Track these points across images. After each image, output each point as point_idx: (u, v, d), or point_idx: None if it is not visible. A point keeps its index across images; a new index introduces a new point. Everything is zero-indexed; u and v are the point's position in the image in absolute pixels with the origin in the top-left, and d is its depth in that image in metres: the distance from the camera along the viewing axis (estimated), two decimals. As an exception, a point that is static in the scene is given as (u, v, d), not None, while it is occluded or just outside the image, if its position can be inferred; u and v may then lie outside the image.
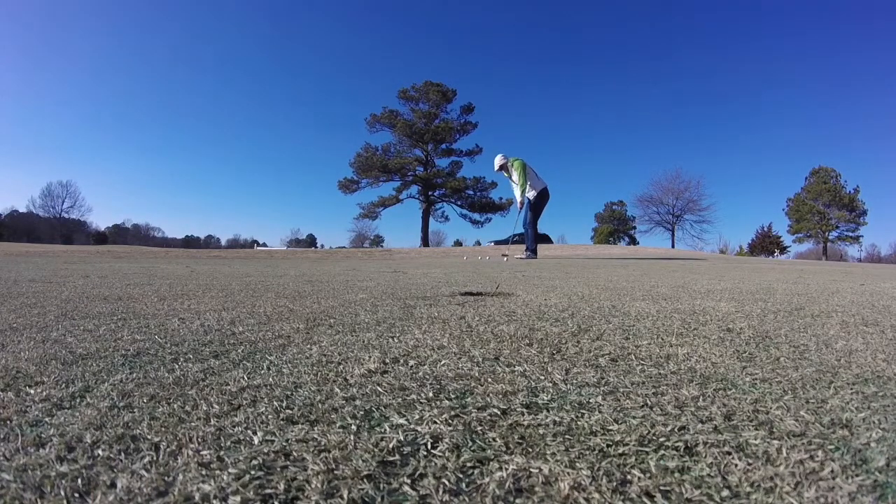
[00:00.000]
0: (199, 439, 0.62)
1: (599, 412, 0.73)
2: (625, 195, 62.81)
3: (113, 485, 0.51)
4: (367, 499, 0.49)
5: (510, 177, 8.43)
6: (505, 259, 8.16)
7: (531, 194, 8.22)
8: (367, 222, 47.80)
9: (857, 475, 0.55)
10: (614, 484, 0.52)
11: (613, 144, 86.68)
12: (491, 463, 0.57)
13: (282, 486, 0.51)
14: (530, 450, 0.60)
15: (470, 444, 0.62)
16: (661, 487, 0.51)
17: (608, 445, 0.61)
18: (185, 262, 7.47)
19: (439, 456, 0.59)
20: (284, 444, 0.61)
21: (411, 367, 0.98)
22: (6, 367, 0.96)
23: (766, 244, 44.83)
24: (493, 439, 0.63)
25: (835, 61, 69.71)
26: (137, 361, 1.02)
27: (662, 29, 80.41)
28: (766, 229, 47.36)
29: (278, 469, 0.55)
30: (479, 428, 0.67)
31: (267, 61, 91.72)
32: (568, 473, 0.54)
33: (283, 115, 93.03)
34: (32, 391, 0.82)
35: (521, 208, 8.36)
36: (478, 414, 0.72)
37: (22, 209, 59.20)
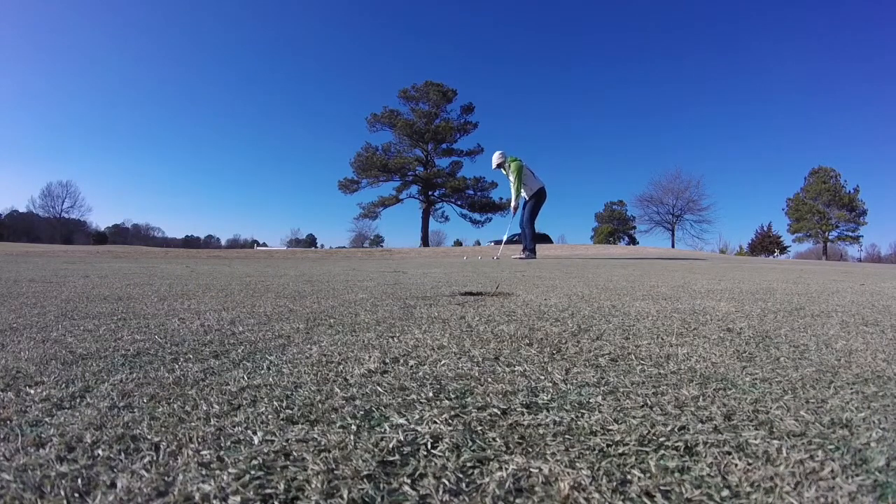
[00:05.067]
0: (199, 439, 0.62)
1: (599, 412, 0.73)
2: (625, 195, 62.84)
3: (113, 485, 0.51)
4: (367, 499, 0.49)
5: (508, 175, 8.38)
6: (496, 259, 8.14)
7: (526, 195, 8.17)
8: (367, 222, 47.90)
9: (857, 475, 0.55)
10: (614, 484, 0.52)
11: (614, 144, 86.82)
12: (491, 463, 0.57)
13: (282, 486, 0.51)
14: (530, 450, 0.60)
15: (470, 444, 0.62)
16: (661, 487, 0.51)
17: (608, 445, 0.61)
18: (185, 262, 7.46)
19: (439, 456, 0.59)
20: (284, 444, 0.61)
21: (411, 367, 0.98)
22: (6, 367, 0.96)
23: (766, 244, 44.81)
24: (493, 439, 0.63)
25: (835, 61, 69.76)
26: (137, 361, 1.02)
27: (663, 30, 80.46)
28: (765, 229, 47.37)
29: (278, 469, 0.55)
30: (479, 428, 0.67)
31: (267, 61, 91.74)
32: (568, 473, 0.54)
33: (284, 115, 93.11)
34: (32, 391, 0.82)
35: (514, 213, 8.30)
36: (478, 414, 0.72)
37: (22, 209, 59.32)
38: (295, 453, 0.59)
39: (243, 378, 0.90)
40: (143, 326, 1.41)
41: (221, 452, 0.59)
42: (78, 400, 0.78)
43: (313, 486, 0.51)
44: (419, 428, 0.67)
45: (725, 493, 0.51)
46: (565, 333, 1.33)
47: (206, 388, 0.84)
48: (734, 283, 3.19)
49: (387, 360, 1.03)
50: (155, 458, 0.57)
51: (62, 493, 0.50)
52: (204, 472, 0.54)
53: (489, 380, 0.89)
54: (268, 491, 0.50)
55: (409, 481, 0.53)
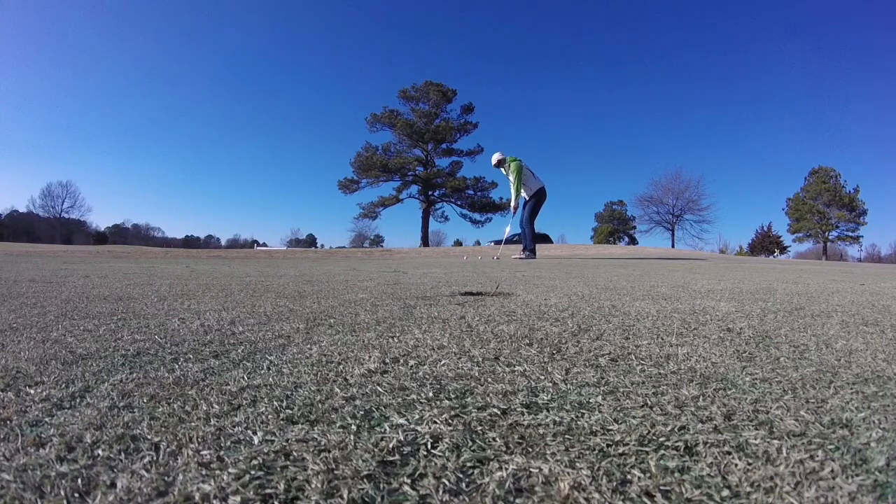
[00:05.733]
0: (199, 439, 0.62)
1: (599, 412, 0.73)
2: (625, 195, 62.85)
3: (113, 485, 0.51)
4: (367, 499, 0.49)
5: (507, 175, 8.38)
6: (496, 259, 8.13)
7: (526, 195, 8.17)
8: (367, 222, 47.80)
9: (857, 475, 0.55)
10: (614, 484, 0.52)
11: (614, 144, 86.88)
12: (491, 463, 0.57)
13: (282, 486, 0.51)
14: (530, 450, 0.60)
15: (470, 444, 0.62)
16: (661, 487, 0.51)
17: (608, 445, 0.61)
18: (185, 261, 7.46)
19: (439, 456, 0.59)
20: (284, 444, 0.61)
21: (411, 366, 0.98)
22: (6, 367, 0.96)
23: (766, 244, 44.81)
24: (493, 439, 0.63)
25: (835, 61, 69.76)
26: (137, 361, 1.02)
27: (663, 30, 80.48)
28: (765, 229, 47.37)
29: (278, 469, 0.55)
30: (479, 428, 0.67)
31: (267, 61, 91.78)
32: (568, 473, 0.54)
33: (284, 115, 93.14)
34: (32, 391, 0.82)
35: (513, 212, 8.32)
36: (478, 414, 0.72)
37: (22, 209, 59.39)
38: (295, 453, 0.59)
39: (243, 378, 0.90)
40: (143, 326, 1.41)
41: (221, 452, 0.59)
42: (78, 400, 0.78)
43: (313, 486, 0.51)
44: (419, 428, 0.67)
45: (725, 493, 0.51)
46: (565, 333, 1.33)
47: (206, 388, 0.84)
48: (734, 283, 3.19)
49: (387, 360, 1.03)
50: (155, 458, 0.57)
51: (62, 493, 0.50)
52: (204, 472, 0.54)
53: (489, 380, 0.89)
54: (268, 491, 0.50)
55: (409, 481, 0.53)
